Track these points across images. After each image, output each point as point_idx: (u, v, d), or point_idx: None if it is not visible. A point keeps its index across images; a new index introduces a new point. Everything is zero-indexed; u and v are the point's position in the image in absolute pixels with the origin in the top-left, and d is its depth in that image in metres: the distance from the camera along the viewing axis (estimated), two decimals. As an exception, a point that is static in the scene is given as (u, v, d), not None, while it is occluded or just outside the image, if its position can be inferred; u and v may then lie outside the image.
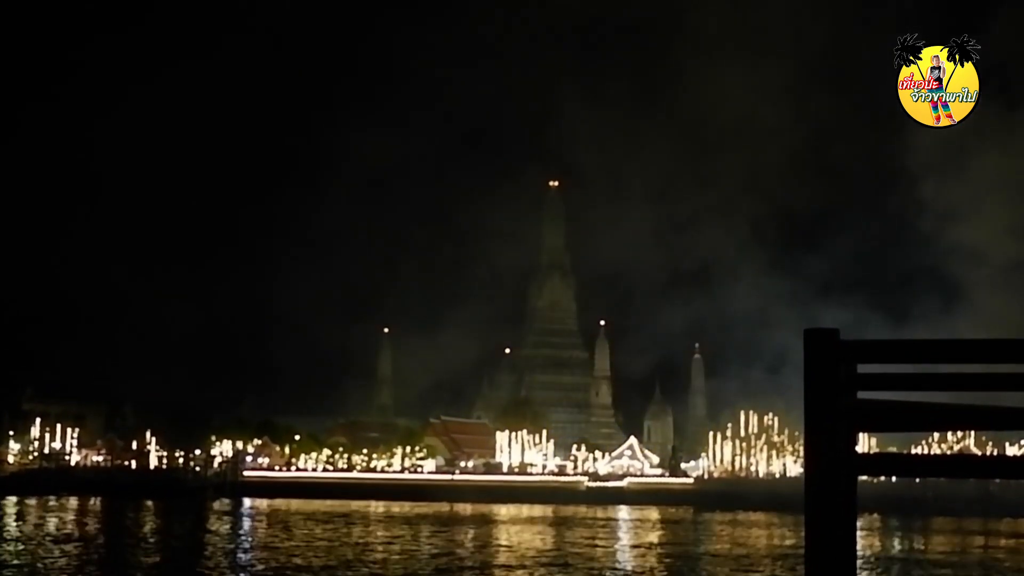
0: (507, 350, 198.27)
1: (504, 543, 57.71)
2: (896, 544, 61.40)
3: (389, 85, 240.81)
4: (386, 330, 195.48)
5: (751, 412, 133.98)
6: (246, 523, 75.41)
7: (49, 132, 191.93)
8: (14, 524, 68.06)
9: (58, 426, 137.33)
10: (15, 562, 42.71)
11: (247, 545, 55.04)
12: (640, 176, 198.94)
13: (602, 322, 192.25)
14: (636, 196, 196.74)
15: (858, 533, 6.14)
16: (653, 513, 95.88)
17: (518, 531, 67.98)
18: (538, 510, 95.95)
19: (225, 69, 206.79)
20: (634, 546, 57.89)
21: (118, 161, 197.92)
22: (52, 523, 68.95)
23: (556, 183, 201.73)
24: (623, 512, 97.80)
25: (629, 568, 44.92)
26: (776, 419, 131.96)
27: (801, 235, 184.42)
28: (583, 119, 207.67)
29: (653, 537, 66.25)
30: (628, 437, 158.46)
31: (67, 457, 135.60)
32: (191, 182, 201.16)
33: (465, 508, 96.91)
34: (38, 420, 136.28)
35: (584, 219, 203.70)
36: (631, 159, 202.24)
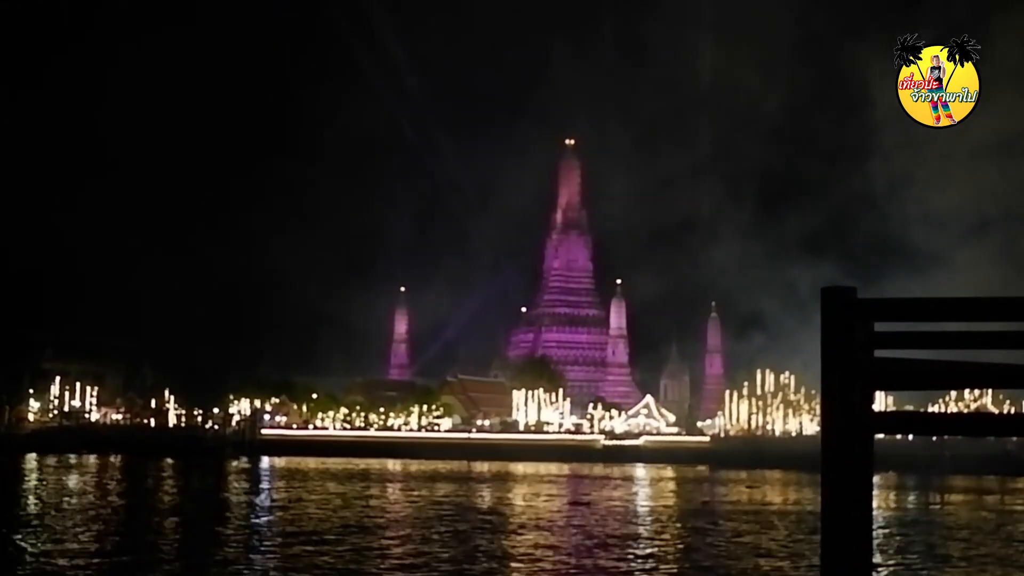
0: (524, 309, 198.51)
1: (519, 502, 57.96)
2: (912, 502, 61.47)
3: (376, 52, 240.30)
4: (403, 289, 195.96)
5: (767, 371, 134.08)
6: (264, 481, 75.92)
7: (58, 91, 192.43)
8: (34, 482, 68.72)
9: (77, 385, 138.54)
10: (34, 520, 43.10)
11: (265, 503, 55.42)
12: (646, 134, 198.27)
13: (618, 280, 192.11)
14: (643, 153, 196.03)
15: (874, 491, 6.10)
16: (669, 471, 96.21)
17: (533, 489, 68.23)
18: (554, 468, 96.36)
19: (216, 35, 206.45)
20: (650, 504, 58.09)
21: (126, 124, 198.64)
22: (72, 481, 69.55)
23: (571, 141, 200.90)
24: (639, 470, 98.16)
25: (646, 524, 45.05)
26: (793, 378, 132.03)
27: (779, 197, 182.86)
28: (574, 80, 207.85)
29: (669, 494, 66.46)
30: (645, 396, 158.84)
31: (87, 415, 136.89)
32: (188, 146, 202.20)
33: (482, 467, 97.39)
34: (58, 379, 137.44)
35: (598, 177, 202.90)
36: (631, 118, 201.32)
